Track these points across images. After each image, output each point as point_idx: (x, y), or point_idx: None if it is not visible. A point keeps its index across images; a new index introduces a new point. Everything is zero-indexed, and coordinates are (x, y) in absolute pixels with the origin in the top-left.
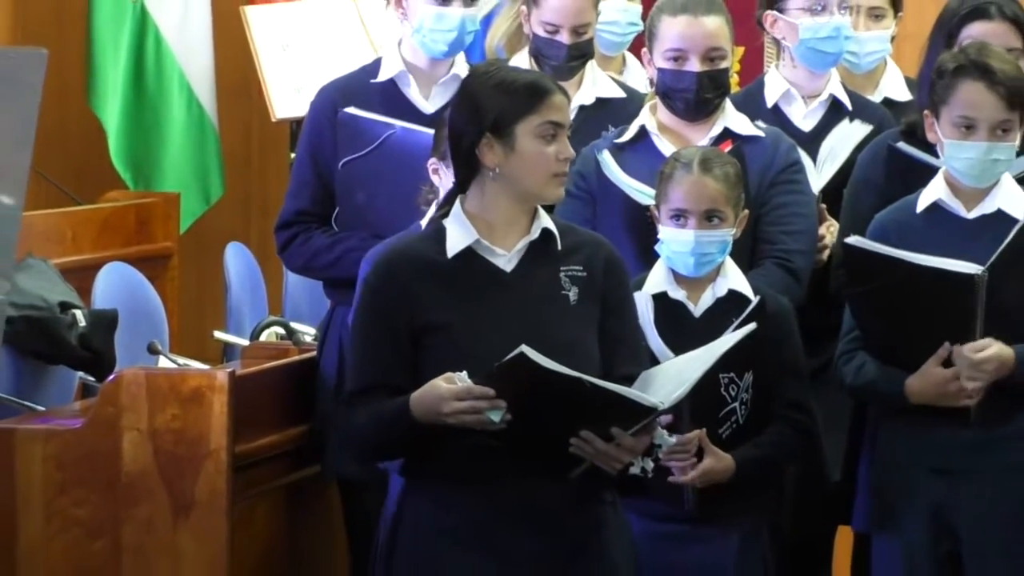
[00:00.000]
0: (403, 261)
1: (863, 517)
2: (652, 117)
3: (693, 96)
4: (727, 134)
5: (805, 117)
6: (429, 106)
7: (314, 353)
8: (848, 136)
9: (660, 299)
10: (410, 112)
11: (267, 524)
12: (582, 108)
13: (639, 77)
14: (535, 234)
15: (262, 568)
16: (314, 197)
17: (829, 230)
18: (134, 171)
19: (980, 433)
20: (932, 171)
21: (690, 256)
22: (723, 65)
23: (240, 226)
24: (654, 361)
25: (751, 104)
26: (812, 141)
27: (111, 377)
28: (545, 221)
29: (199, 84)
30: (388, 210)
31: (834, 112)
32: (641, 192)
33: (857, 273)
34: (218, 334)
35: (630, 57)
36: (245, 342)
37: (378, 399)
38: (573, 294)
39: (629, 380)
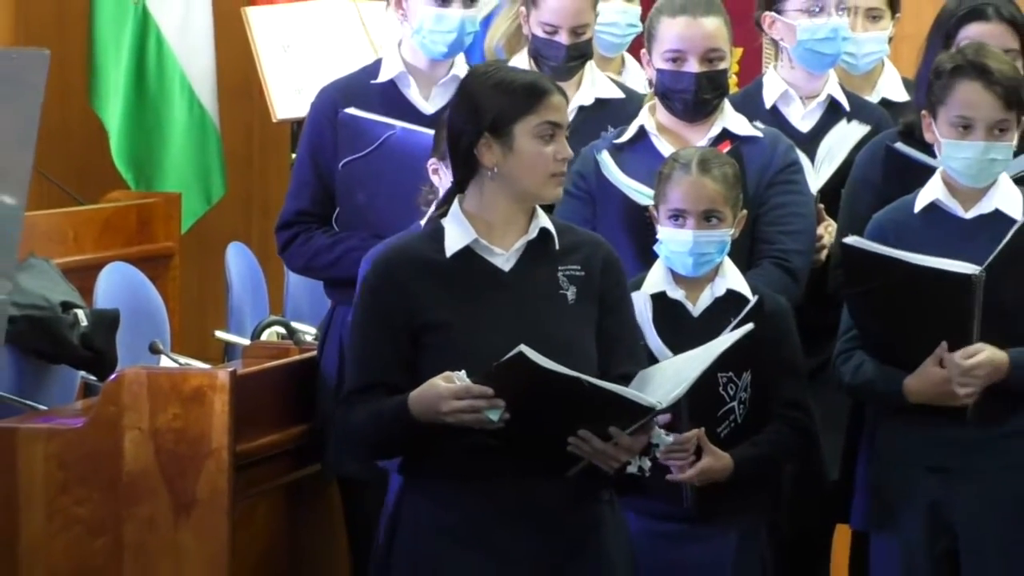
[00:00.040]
0: (402, 260)
1: (861, 516)
2: (651, 118)
3: (692, 97)
4: (726, 135)
5: (803, 118)
6: (429, 107)
7: (315, 353)
8: (846, 136)
9: (659, 299)
10: (410, 113)
11: (268, 523)
12: (581, 109)
13: (638, 78)
14: (533, 234)
15: (263, 566)
16: (315, 197)
17: (827, 230)
18: (136, 171)
19: (978, 432)
20: (930, 171)
21: (688, 256)
22: (722, 66)
23: (241, 226)
24: (653, 360)
25: (749, 105)
26: (810, 141)
27: (113, 376)
28: (543, 221)
29: (200, 85)
30: (388, 210)
31: (832, 113)
32: (640, 192)
33: (855, 273)
34: (219, 334)
35: (629, 58)
36: (246, 342)
37: (377, 398)
38: (571, 293)
39: (626, 379)
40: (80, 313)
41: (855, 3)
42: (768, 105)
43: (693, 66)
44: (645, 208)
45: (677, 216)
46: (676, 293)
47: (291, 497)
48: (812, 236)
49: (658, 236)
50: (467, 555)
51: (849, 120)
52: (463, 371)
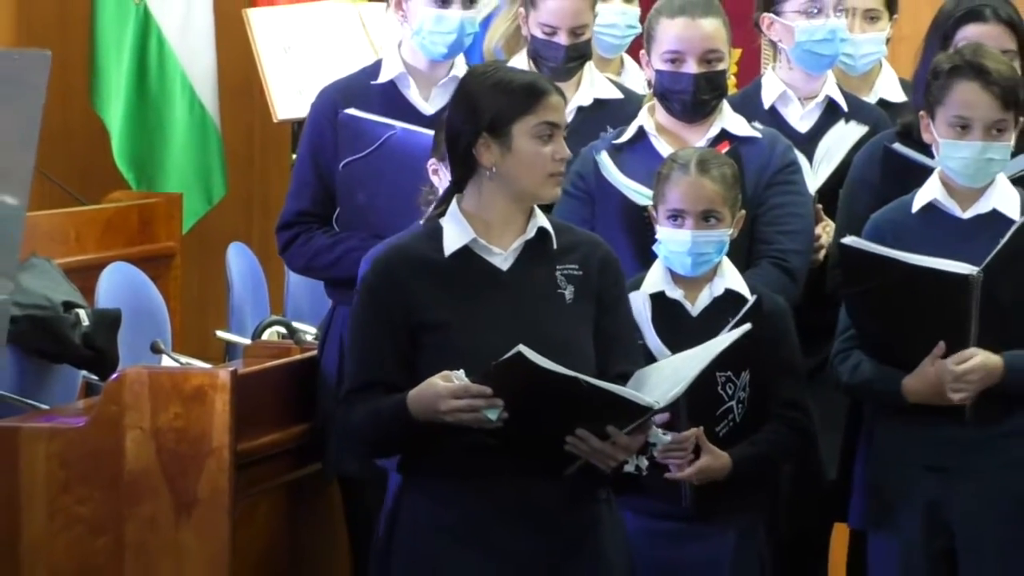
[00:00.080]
0: (400, 259)
1: (859, 515)
2: (650, 118)
3: (690, 98)
4: (724, 135)
5: (801, 118)
6: (429, 107)
7: (315, 352)
8: (844, 137)
9: (658, 298)
10: (410, 113)
11: (269, 522)
12: (580, 109)
13: (637, 79)
14: (531, 233)
15: (264, 565)
16: (315, 198)
17: (825, 230)
18: (137, 172)
19: (975, 431)
20: (928, 172)
21: (687, 256)
22: (720, 67)
23: (242, 226)
24: (651, 360)
25: (748, 105)
26: (808, 142)
27: (114, 376)
28: (541, 220)
29: (201, 85)
30: (388, 210)
31: (830, 113)
32: (639, 193)
33: (853, 273)
34: (220, 333)
35: (628, 59)
36: (247, 341)
37: (375, 397)
38: (569, 293)
39: (624, 378)
40: (82, 313)
41: (853, 4)
42: (766, 106)
43: (692, 67)
44: (644, 208)
45: (676, 216)
46: (675, 293)
47: (292, 496)
48: (810, 236)
49: (657, 236)
50: (465, 553)
51: (847, 121)
52: (462, 370)
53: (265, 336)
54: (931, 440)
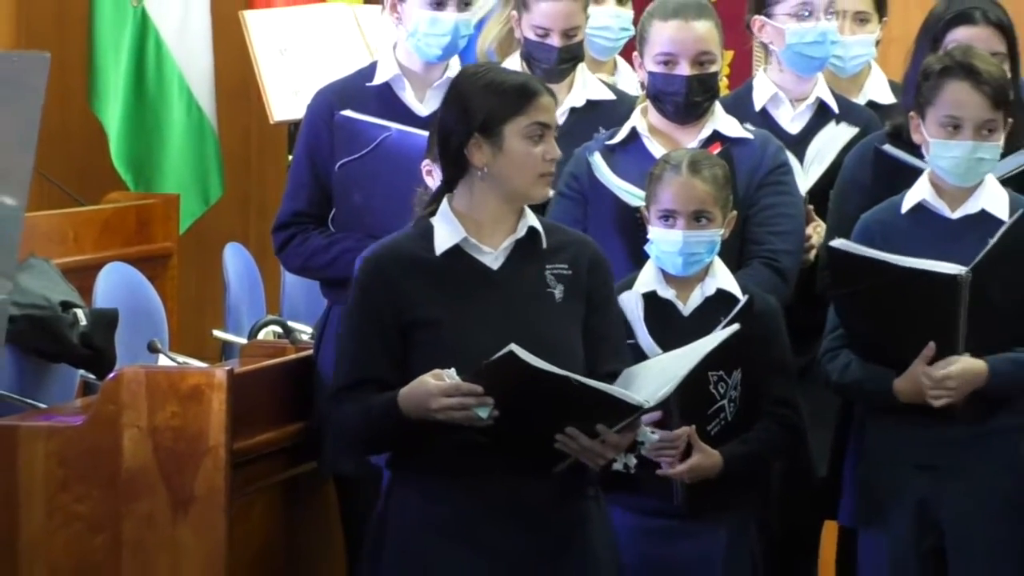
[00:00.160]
0: (392, 258)
1: (849, 512)
2: (643, 119)
3: (683, 99)
4: (716, 136)
5: (792, 120)
6: (424, 109)
7: (311, 352)
8: (835, 138)
9: (650, 298)
10: (405, 115)
11: (265, 519)
12: (573, 110)
13: (630, 80)
14: (522, 232)
15: (260, 562)
16: (311, 198)
17: (816, 231)
18: (135, 172)
19: (965, 430)
20: (918, 173)
21: (678, 256)
22: (712, 69)
23: (239, 227)
24: (643, 359)
25: (740, 107)
26: (799, 143)
27: (112, 375)
28: (531, 220)
29: (198, 87)
30: (384, 211)
31: (821, 115)
32: (631, 194)
33: (841, 275)
34: (217, 333)
35: (621, 61)
36: (243, 341)
37: (366, 394)
38: (559, 292)
39: (612, 377)
40: (80, 312)
41: (843, 7)
42: (758, 107)
43: (684, 69)
44: (636, 209)
45: (667, 216)
46: (667, 293)
47: (288, 494)
48: (801, 237)
49: (649, 236)
50: (455, 550)
51: (838, 122)
52: (453, 369)
53: (261, 336)
54: (921, 439)
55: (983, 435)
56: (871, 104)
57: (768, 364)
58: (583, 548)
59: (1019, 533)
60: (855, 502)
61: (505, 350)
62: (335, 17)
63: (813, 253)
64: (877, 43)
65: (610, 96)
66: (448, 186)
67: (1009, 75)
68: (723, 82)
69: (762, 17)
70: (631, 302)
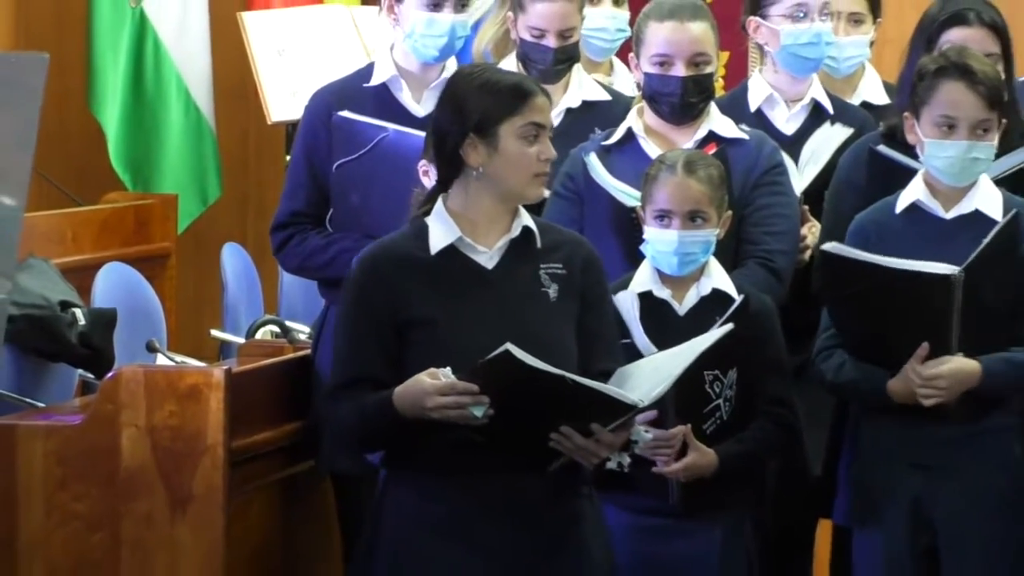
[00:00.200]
0: (387, 257)
1: (844, 511)
2: (639, 120)
3: (678, 100)
4: (712, 137)
5: (787, 121)
6: (421, 110)
7: (309, 351)
8: (830, 139)
9: (645, 298)
10: (402, 116)
11: (263, 518)
12: (568, 111)
13: (627, 81)
14: (516, 232)
15: (258, 560)
16: (309, 199)
17: (811, 231)
18: (133, 173)
19: (959, 429)
20: (912, 173)
21: (674, 256)
22: (708, 70)
23: (237, 227)
24: (639, 359)
25: (735, 108)
26: (794, 144)
27: (110, 374)
28: (526, 219)
29: (197, 88)
30: (381, 211)
31: (816, 116)
32: (627, 194)
33: (835, 279)
34: (215, 332)
35: (617, 62)
36: (241, 340)
37: (361, 392)
38: (553, 291)
39: (606, 376)
40: (78, 312)
41: (837, 8)
42: (753, 108)
43: (680, 70)
44: (632, 209)
45: (663, 216)
46: (662, 292)
47: (285, 492)
48: (796, 237)
49: (644, 236)
50: (449, 548)
51: (832, 123)
52: (448, 368)
53: (259, 335)
54: (915, 438)
55: (976, 434)
56: (865, 105)
57: (763, 363)
58: (577, 546)
59: (1012, 532)
60: (850, 501)
61: (501, 349)
62: (333, 18)
63: (808, 253)
64: (871, 44)
65: (606, 97)
66: (443, 186)
67: (1003, 76)
68: (719, 83)
69: (757, 18)
70: (627, 302)
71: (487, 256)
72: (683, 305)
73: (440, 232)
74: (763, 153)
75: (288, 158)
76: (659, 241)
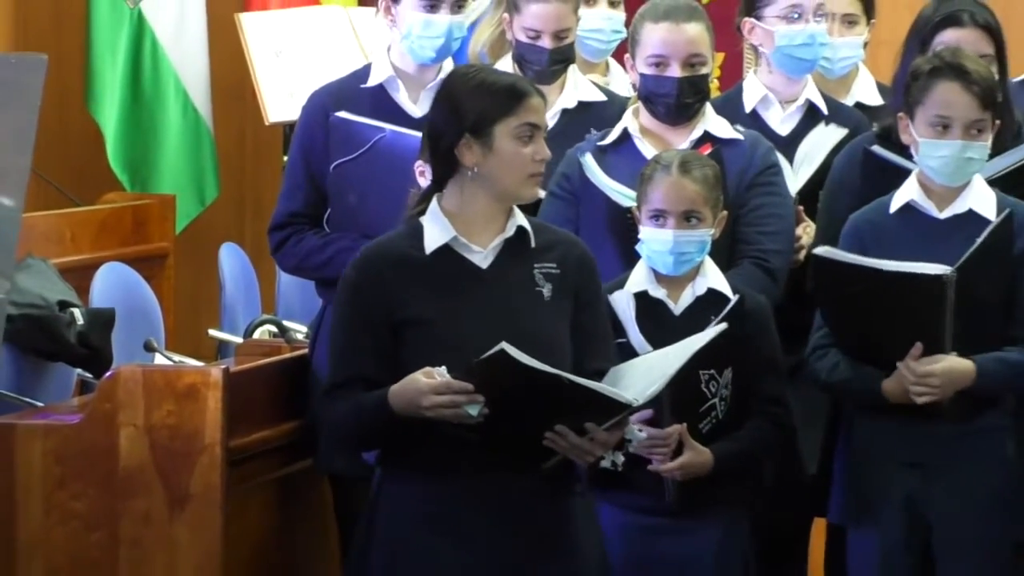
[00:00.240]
0: (381, 257)
1: (839, 509)
2: (634, 120)
3: (674, 101)
4: (707, 137)
5: (782, 121)
6: (418, 110)
7: (306, 351)
8: (824, 140)
9: (641, 298)
10: (399, 116)
11: (261, 517)
12: (564, 112)
13: (623, 82)
14: (511, 232)
15: (256, 559)
16: (306, 199)
17: (806, 231)
18: (131, 173)
19: (952, 428)
20: (906, 174)
21: (669, 255)
22: (703, 71)
23: (234, 227)
24: (634, 357)
25: (730, 108)
26: (789, 144)
27: (108, 374)
28: (520, 219)
29: (194, 88)
30: (378, 211)
31: (810, 116)
32: (622, 194)
33: (827, 283)
34: (213, 332)
35: (613, 63)
36: (239, 340)
37: (356, 392)
38: (547, 290)
39: (599, 375)
40: (77, 312)
41: (832, 9)
42: (748, 109)
43: (675, 71)
44: (628, 210)
45: (658, 216)
46: (658, 292)
47: (283, 492)
48: (791, 237)
49: (640, 236)
50: (444, 546)
51: (827, 123)
52: (443, 367)
53: (256, 335)
54: (909, 437)
55: (970, 433)
56: (859, 106)
57: (759, 363)
58: (571, 545)
59: (1006, 530)
60: (844, 500)
61: (496, 348)
62: (330, 19)
63: (803, 253)
64: (865, 45)
65: (601, 97)
66: (438, 186)
67: (997, 77)
68: (714, 84)
69: (752, 19)
70: (623, 302)
71: (482, 256)
72: (679, 305)
73: (435, 232)
74: (758, 153)
75: (285, 158)
76: (654, 241)
